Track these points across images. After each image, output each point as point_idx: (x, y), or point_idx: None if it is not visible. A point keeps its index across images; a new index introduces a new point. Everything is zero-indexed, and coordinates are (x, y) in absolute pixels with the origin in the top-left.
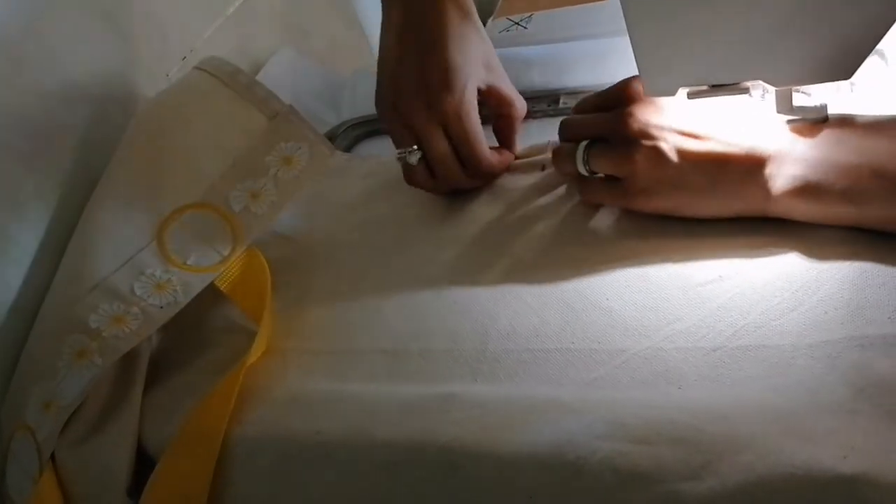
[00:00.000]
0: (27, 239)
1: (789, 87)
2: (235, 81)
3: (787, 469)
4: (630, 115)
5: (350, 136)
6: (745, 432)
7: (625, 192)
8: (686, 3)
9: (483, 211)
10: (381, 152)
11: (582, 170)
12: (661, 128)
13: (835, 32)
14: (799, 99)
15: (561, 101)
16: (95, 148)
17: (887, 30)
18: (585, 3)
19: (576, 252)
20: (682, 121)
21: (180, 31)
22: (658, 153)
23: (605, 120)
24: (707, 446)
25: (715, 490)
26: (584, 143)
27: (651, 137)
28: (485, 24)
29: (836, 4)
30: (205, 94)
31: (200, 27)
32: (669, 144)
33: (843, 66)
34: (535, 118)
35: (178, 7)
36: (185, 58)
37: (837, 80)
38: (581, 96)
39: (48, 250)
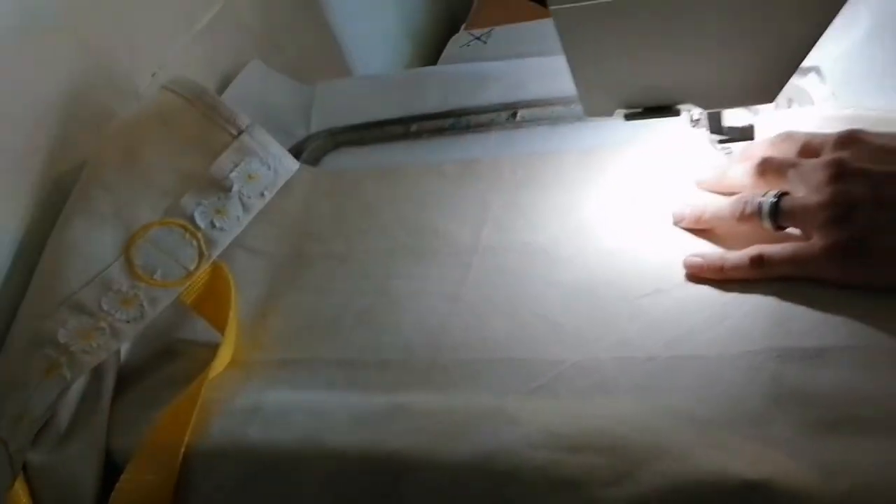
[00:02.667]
0: None
1: (719, 110)
2: (201, 101)
3: (698, 475)
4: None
5: (317, 148)
6: (665, 441)
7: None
8: (616, 34)
9: (443, 224)
10: (348, 165)
11: (767, 226)
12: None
13: (755, 60)
14: (729, 119)
15: (518, 114)
16: (65, 166)
17: (802, 58)
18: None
19: (526, 265)
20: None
21: (149, 47)
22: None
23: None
24: (631, 454)
25: (633, 495)
26: (771, 199)
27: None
28: (450, 37)
29: (755, 35)
30: (171, 114)
31: (170, 43)
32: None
33: (766, 91)
34: (494, 130)
35: (148, 23)
36: (154, 74)
37: (761, 103)
38: (537, 109)
39: (19, 268)
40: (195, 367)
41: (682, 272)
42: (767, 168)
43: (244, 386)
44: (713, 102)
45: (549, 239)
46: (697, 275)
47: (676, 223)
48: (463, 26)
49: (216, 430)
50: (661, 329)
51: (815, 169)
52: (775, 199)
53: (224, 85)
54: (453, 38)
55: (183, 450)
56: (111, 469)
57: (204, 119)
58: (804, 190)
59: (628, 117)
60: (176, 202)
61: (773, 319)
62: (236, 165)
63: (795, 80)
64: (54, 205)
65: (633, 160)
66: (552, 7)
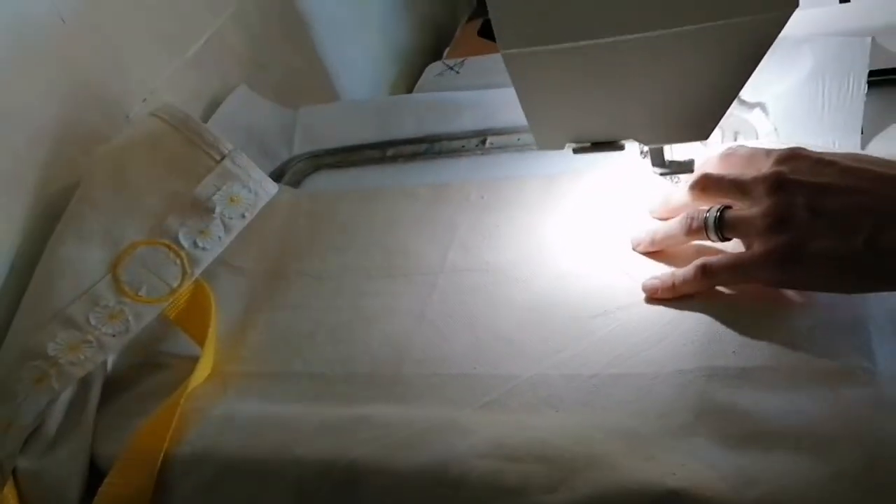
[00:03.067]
0: None
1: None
2: (186, 127)
3: (625, 484)
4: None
5: (299, 171)
6: (599, 452)
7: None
8: (561, 77)
9: (413, 245)
10: (328, 186)
11: (713, 238)
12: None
13: (687, 102)
14: (675, 153)
15: (488, 141)
16: (58, 187)
17: (730, 102)
18: None
19: (486, 285)
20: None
21: (141, 74)
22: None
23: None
24: (568, 464)
25: (566, 501)
26: (715, 211)
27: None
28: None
29: (685, 80)
30: (158, 139)
31: (161, 69)
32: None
33: (700, 129)
34: (465, 156)
35: (139, 50)
36: (145, 100)
37: (696, 140)
38: (505, 137)
39: (12, 283)
40: (176, 379)
41: (627, 295)
42: (707, 183)
43: (221, 397)
44: (652, 139)
45: (509, 260)
46: (654, 296)
47: (635, 248)
48: (446, 51)
49: (193, 439)
50: (606, 348)
51: (756, 182)
52: (718, 213)
53: (213, 109)
54: (428, 67)
55: (162, 456)
56: (95, 474)
57: (189, 144)
58: (746, 202)
59: (577, 151)
60: (161, 223)
61: (705, 340)
62: (219, 188)
63: (742, 115)
64: (47, 224)
65: (591, 186)
66: (502, 52)
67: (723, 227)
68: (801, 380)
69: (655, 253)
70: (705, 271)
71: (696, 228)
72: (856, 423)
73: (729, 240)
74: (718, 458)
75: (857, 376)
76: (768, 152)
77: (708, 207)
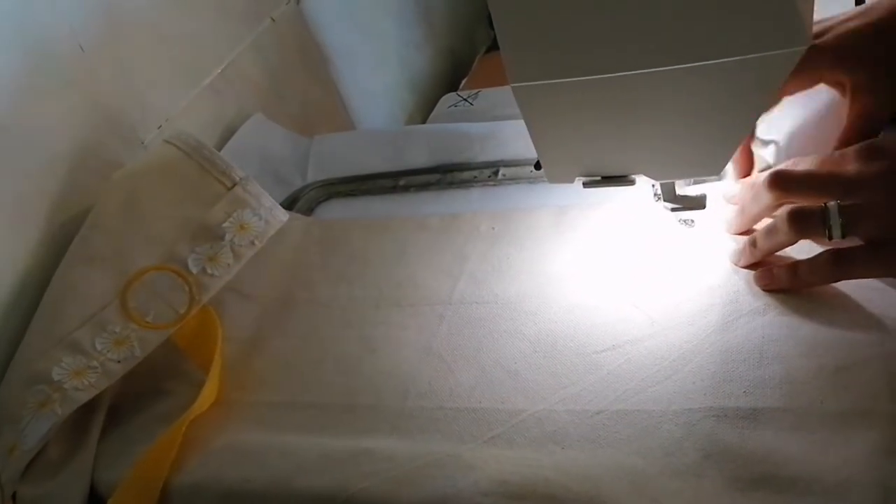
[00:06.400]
0: (2, 295)
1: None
2: (199, 154)
3: None
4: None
5: (311, 198)
6: (604, 492)
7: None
8: (572, 111)
9: (422, 276)
10: (340, 215)
11: (837, 233)
12: None
13: (700, 138)
14: (682, 189)
15: (500, 172)
16: (72, 213)
17: (743, 137)
18: None
19: (494, 317)
20: None
21: (157, 101)
22: None
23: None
24: (570, 503)
25: None
26: (835, 203)
27: None
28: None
29: (698, 116)
30: (171, 165)
31: (177, 97)
32: None
33: (711, 166)
34: (477, 186)
35: (157, 77)
36: (160, 126)
37: (707, 176)
38: (517, 168)
39: (21, 306)
40: (180, 406)
41: (637, 329)
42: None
43: (224, 425)
44: (664, 174)
45: (518, 292)
46: (770, 289)
47: (736, 263)
48: (463, 82)
49: (194, 468)
50: (613, 383)
51: (864, 178)
52: (837, 205)
53: (228, 136)
54: (442, 98)
55: (162, 485)
56: (96, 500)
57: (201, 171)
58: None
59: (586, 185)
60: (171, 249)
61: (716, 379)
62: (229, 215)
63: (757, 150)
64: (60, 248)
65: (602, 218)
66: (512, 85)
67: (849, 220)
68: (813, 422)
69: (667, 287)
70: (839, 259)
71: (808, 225)
72: (869, 469)
73: (844, 237)
74: (726, 502)
75: (871, 420)
76: (843, 154)
77: (818, 206)
